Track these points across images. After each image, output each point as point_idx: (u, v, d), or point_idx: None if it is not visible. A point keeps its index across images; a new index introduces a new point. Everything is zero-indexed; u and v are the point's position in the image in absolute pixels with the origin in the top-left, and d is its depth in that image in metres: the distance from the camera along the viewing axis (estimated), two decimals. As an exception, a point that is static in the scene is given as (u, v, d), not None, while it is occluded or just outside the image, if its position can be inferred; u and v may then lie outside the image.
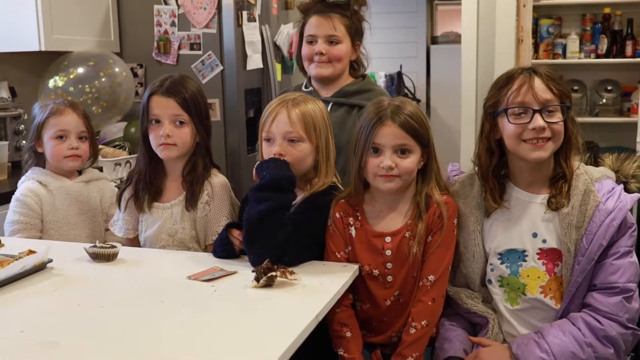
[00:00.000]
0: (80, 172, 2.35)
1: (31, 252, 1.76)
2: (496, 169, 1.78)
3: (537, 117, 1.66)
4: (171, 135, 1.99)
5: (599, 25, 4.53)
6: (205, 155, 2.09)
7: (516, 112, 1.69)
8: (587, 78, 4.65)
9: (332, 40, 2.28)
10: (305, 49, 2.31)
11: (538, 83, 1.68)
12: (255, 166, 1.86)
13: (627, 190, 1.77)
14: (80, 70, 3.14)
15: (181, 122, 2.01)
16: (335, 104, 2.31)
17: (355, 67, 2.41)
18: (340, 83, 2.35)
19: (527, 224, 1.74)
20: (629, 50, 4.42)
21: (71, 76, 3.12)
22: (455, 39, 6.42)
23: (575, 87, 4.62)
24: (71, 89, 3.09)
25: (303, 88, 2.39)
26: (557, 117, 1.68)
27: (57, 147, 2.23)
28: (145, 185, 2.07)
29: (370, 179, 1.78)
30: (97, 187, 2.36)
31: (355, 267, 1.79)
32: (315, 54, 2.28)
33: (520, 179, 1.77)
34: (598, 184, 1.71)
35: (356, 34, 2.34)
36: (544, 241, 1.72)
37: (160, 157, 2.04)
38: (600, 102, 4.61)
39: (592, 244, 1.64)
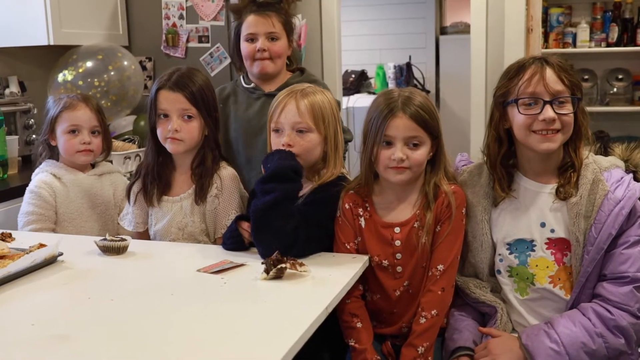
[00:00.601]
0: (93, 166, 2.36)
1: (42, 245, 1.77)
2: (504, 159, 1.78)
3: (548, 108, 1.65)
4: (179, 130, 2.00)
5: (610, 13, 4.48)
6: (214, 148, 2.10)
7: (526, 103, 1.68)
8: (598, 67, 4.61)
9: (272, 37, 2.33)
10: (246, 48, 2.36)
11: (550, 74, 1.66)
12: (262, 160, 1.87)
13: (637, 179, 1.75)
14: (89, 64, 3.15)
15: (189, 117, 2.01)
16: None
17: (289, 62, 2.47)
18: (280, 78, 2.41)
19: (536, 214, 1.73)
20: (640, 38, 4.38)
21: (80, 70, 3.13)
22: (464, 29, 6.38)
23: (586, 77, 4.58)
24: (80, 82, 3.11)
25: (244, 84, 2.42)
26: (568, 109, 1.67)
27: (70, 141, 2.24)
28: (154, 178, 2.07)
29: (381, 170, 1.78)
30: (110, 181, 2.38)
31: (365, 258, 1.79)
32: (257, 51, 2.33)
33: (528, 169, 1.76)
34: (607, 173, 1.70)
35: (290, 30, 2.40)
36: (553, 231, 1.71)
37: (168, 150, 2.05)
38: (611, 91, 4.57)
39: (601, 233, 1.64)
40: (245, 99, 2.40)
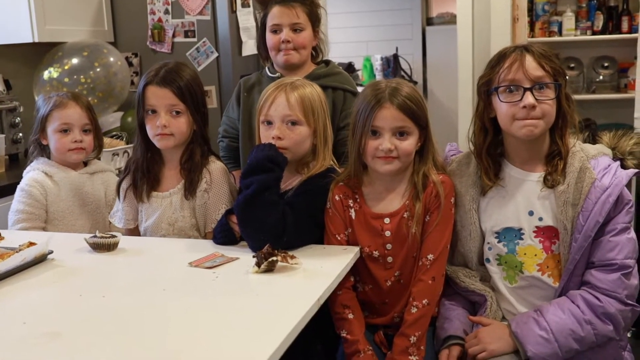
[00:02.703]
0: (85, 164, 2.36)
1: (31, 244, 1.77)
2: (491, 147, 1.79)
3: (528, 94, 1.66)
4: (168, 125, 1.99)
5: (595, 2, 4.50)
6: (203, 143, 2.09)
7: (507, 90, 1.69)
8: (584, 55, 4.64)
9: (296, 29, 2.34)
10: (271, 39, 2.37)
11: (529, 61, 1.68)
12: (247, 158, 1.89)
13: (624, 167, 1.77)
14: (75, 60, 3.13)
15: (177, 112, 2.01)
16: None
17: (314, 54, 2.48)
18: (305, 69, 2.41)
19: (523, 202, 1.75)
20: (625, 26, 4.40)
21: (66, 67, 3.11)
22: (450, 19, 6.38)
23: (572, 65, 4.61)
24: (66, 79, 3.09)
25: (269, 74, 2.42)
26: (549, 95, 1.68)
27: (61, 140, 2.24)
28: (144, 174, 2.07)
29: (369, 161, 1.79)
30: (102, 179, 2.37)
31: (356, 249, 1.80)
32: (281, 43, 2.34)
33: (515, 157, 1.77)
34: (594, 160, 1.71)
35: (315, 20, 2.40)
36: (540, 219, 1.73)
37: (157, 146, 2.04)
38: (597, 79, 4.60)
39: (588, 220, 1.65)
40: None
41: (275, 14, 2.35)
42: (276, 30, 2.35)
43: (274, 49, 2.37)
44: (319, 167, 1.89)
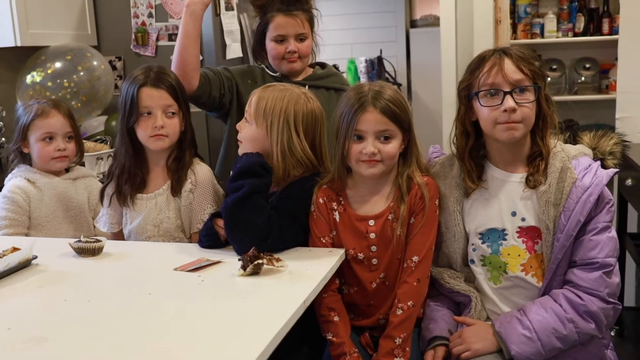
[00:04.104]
0: (67, 170, 2.35)
1: (15, 249, 1.76)
2: (474, 150, 1.80)
3: (508, 98, 1.68)
4: (164, 126, 2.00)
5: (576, 3, 4.55)
6: (191, 145, 2.10)
7: (488, 94, 1.70)
8: (566, 57, 4.69)
9: (301, 38, 2.34)
10: (275, 49, 2.34)
11: (508, 64, 1.69)
12: (233, 165, 1.90)
13: (604, 167, 1.79)
14: (58, 64, 3.12)
15: (172, 113, 2.02)
16: (311, 87, 2.35)
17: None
18: (304, 72, 2.43)
19: (506, 203, 1.76)
20: (605, 27, 4.45)
21: (49, 71, 3.10)
22: (434, 22, 6.41)
23: (554, 66, 4.65)
24: (49, 84, 3.07)
25: (270, 72, 2.42)
26: (529, 98, 1.70)
27: (45, 149, 2.23)
28: (129, 177, 2.06)
29: (353, 164, 1.79)
30: (85, 185, 2.37)
31: (341, 251, 1.80)
32: (287, 53, 2.33)
33: (498, 159, 1.79)
34: (575, 161, 1.74)
35: (313, 25, 2.40)
36: (523, 219, 1.74)
37: (151, 148, 2.04)
38: (579, 80, 4.65)
39: (570, 220, 1.67)
40: None
41: (280, 24, 2.31)
42: (282, 40, 2.33)
43: (277, 57, 2.35)
44: (302, 171, 1.89)
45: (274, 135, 1.86)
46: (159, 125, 1.99)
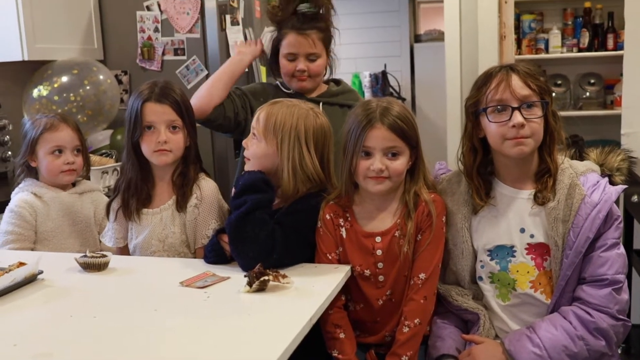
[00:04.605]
0: (74, 184, 2.35)
1: (21, 264, 1.75)
2: (482, 166, 1.80)
3: (517, 114, 1.68)
4: (168, 141, 2.00)
5: (580, 19, 4.56)
6: (196, 160, 2.10)
7: (495, 110, 1.70)
8: (570, 72, 4.69)
9: (311, 58, 2.33)
10: (286, 66, 2.35)
11: (516, 80, 1.69)
12: (234, 183, 1.90)
13: (612, 183, 1.79)
14: (65, 79, 3.12)
15: (176, 128, 2.02)
16: (325, 104, 2.37)
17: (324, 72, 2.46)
18: (318, 89, 2.42)
19: (515, 220, 1.75)
20: (610, 43, 4.45)
21: (55, 85, 3.10)
22: (438, 36, 6.43)
23: (559, 82, 4.65)
24: (56, 97, 3.08)
25: (284, 89, 2.42)
26: (537, 113, 1.70)
27: (54, 162, 2.24)
28: (135, 192, 2.06)
29: (361, 180, 1.79)
30: (91, 199, 2.37)
31: (347, 268, 1.80)
32: (296, 71, 2.33)
33: (506, 175, 1.79)
34: (583, 177, 1.73)
35: (329, 43, 2.38)
36: (532, 236, 1.74)
37: (155, 163, 2.04)
38: (584, 96, 4.65)
39: (579, 237, 1.66)
40: None
41: (292, 43, 2.31)
42: (292, 58, 2.33)
43: (287, 75, 2.35)
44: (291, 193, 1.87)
45: (285, 151, 1.85)
46: (162, 140, 1.99)
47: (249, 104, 2.39)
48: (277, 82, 2.47)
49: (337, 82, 2.50)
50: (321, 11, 2.35)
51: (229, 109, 2.35)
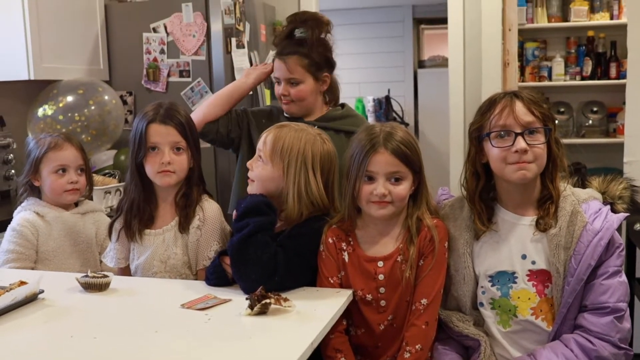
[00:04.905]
0: (76, 204, 2.36)
1: (22, 283, 1.75)
2: (484, 192, 1.80)
3: (520, 139, 1.68)
4: (172, 162, 2.01)
5: (584, 47, 4.59)
6: (199, 182, 2.10)
7: (499, 135, 1.71)
8: (573, 100, 4.71)
9: (292, 82, 2.36)
10: (275, 89, 2.43)
11: (519, 106, 1.71)
12: (236, 206, 1.90)
13: (614, 211, 1.79)
14: (70, 98, 3.14)
15: (179, 149, 2.03)
16: (320, 128, 2.35)
17: (326, 97, 2.48)
18: (316, 113, 2.44)
19: (516, 246, 1.76)
20: (613, 72, 4.48)
21: (60, 104, 3.12)
22: (442, 62, 6.48)
23: (562, 109, 4.67)
24: (60, 117, 3.10)
25: (285, 113, 2.46)
26: (539, 139, 1.71)
27: (58, 181, 2.24)
28: (138, 213, 2.07)
29: (364, 205, 1.79)
30: (93, 219, 2.37)
31: (349, 292, 1.79)
32: (280, 95, 2.39)
33: (508, 201, 1.79)
34: (585, 204, 1.73)
35: (320, 68, 2.38)
36: (533, 262, 1.74)
37: (158, 184, 2.05)
38: (587, 124, 4.66)
39: (580, 264, 1.66)
40: None
41: (275, 67, 2.39)
42: (277, 82, 2.39)
43: (277, 97, 2.41)
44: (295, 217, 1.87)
45: (291, 176, 1.86)
46: (165, 162, 2.00)
47: (247, 123, 2.45)
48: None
49: (343, 105, 2.51)
50: (323, 36, 2.38)
51: (223, 125, 2.44)
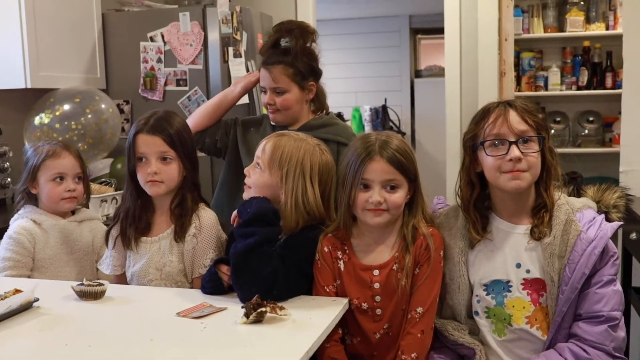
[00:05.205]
0: (73, 212, 2.36)
1: (17, 291, 1.75)
2: (479, 201, 1.81)
3: (514, 148, 1.69)
4: (158, 172, 2.01)
5: (579, 57, 4.62)
6: (193, 189, 2.10)
7: (493, 144, 1.72)
8: (569, 109, 4.73)
9: (277, 91, 2.37)
10: (262, 97, 2.45)
11: (513, 115, 1.71)
12: (237, 210, 1.90)
13: (609, 220, 1.79)
14: (66, 107, 3.14)
15: (168, 159, 2.03)
16: None
17: (312, 106, 2.48)
18: (302, 122, 2.44)
19: (511, 255, 1.76)
20: (609, 82, 4.50)
21: (57, 113, 3.12)
22: (438, 72, 6.50)
23: (558, 119, 4.69)
24: (57, 125, 3.10)
25: (271, 122, 2.46)
26: (533, 148, 1.71)
27: (55, 189, 2.24)
28: (134, 221, 2.07)
29: (359, 213, 1.80)
30: (90, 227, 2.37)
31: (345, 301, 1.79)
32: (267, 104, 2.40)
33: (502, 210, 1.79)
34: (579, 213, 1.74)
35: (305, 77, 2.38)
36: (528, 271, 1.74)
37: (149, 193, 2.05)
38: (583, 133, 4.68)
39: (575, 273, 1.66)
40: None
41: (261, 76, 2.41)
42: (263, 90, 2.41)
43: (264, 106, 2.43)
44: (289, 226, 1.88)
45: (289, 185, 1.87)
46: (152, 172, 2.00)
47: (235, 132, 2.49)
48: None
49: (327, 113, 2.51)
50: (308, 45, 2.40)
51: (211, 135, 2.50)
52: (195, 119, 2.49)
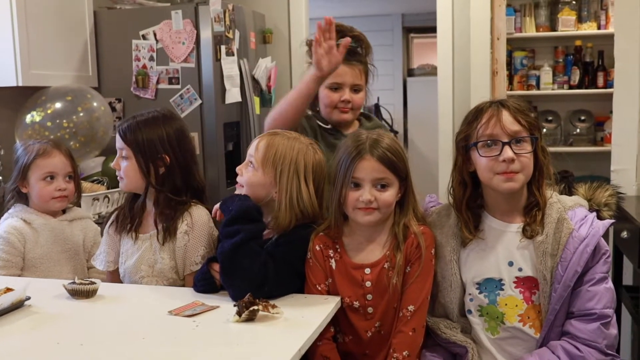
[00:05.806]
0: (64, 211, 2.35)
1: (8, 289, 1.75)
2: (471, 200, 1.81)
3: (507, 148, 1.70)
4: (118, 168, 2.07)
5: (571, 57, 4.63)
6: (182, 190, 2.07)
7: (486, 145, 1.72)
8: (561, 108, 4.74)
9: (356, 89, 2.30)
10: (329, 96, 2.28)
11: (506, 116, 1.72)
12: (219, 205, 1.90)
13: (600, 218, 1.80)
14: (58, 105, 3.13)
15: (124, 157, 2.06)
16: None
17: None
18: (354, 125, 2.38)
19: (503, 253, 1.76)
20: (600, 81, 4.52)
21: (49, 111, 3.11)
22: (431, 71, 6.51)
23: (550, 118, 4.70)
24: (49, 124, 3.08)
25: (320, 123, 2.33)
26: (526, 148, 1.72)
27: (46, 188, 2.24)
28: (127, 217, 2.09)
29: (350, 212, 1.80)
30: (81, 226, 2.37)
31: (337, 299, 1.79)
32: (340, 102, 2.28)
33: (495, 209, 1.80)
34: (571, 212, 1.75)
35: (367, 82, 2.38)
36: (520, 269, 1.74)
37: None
38: (574, 132, 4.69)
39: (567, 271, 1.67)
40: (325, 138, 2.31)
41: (339, 72, 2.21)
42: (337, 88, 2.28)
43: (329, 106, 2.29)
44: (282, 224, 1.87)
45: (283, 184, 1.86)
46: (113, 166, 2.08)
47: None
48: (310, 113, 2.36)
49: (368, 117, 2.47)
50: (363, 51, 2.38)
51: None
52: (291, 113, 2.15)
